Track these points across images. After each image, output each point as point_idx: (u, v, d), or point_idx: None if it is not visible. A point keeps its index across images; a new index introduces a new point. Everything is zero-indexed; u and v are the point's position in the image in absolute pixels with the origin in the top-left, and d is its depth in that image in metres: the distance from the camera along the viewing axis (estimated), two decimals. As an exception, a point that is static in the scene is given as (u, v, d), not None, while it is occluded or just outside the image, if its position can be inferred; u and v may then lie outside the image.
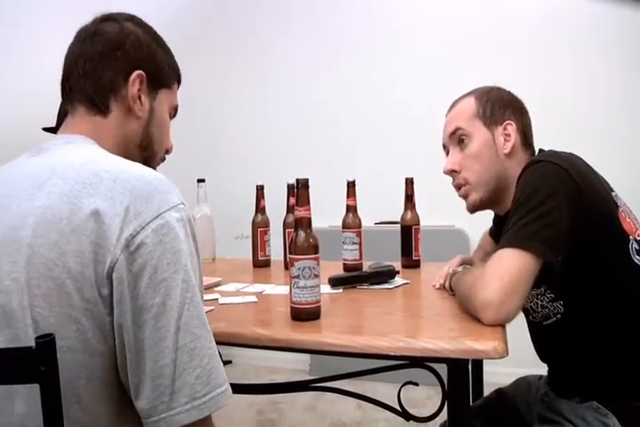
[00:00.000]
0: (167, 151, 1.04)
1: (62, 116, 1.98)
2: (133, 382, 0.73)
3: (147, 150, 0.96)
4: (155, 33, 0.98)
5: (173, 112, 1.03)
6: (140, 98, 0.92)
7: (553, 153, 1.19)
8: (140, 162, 0.90)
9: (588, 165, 1.17)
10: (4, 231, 0.74)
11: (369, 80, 3.12)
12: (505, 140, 1.26)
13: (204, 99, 3.20)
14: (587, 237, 1.08)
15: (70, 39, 0.94)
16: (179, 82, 1.02)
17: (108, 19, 0.94)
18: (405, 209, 1.71)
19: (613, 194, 1.17)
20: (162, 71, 0.96)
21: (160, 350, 0.71)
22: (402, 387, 1.19)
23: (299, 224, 1.14)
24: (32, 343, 0.66)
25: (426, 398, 2.10)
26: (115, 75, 0.90)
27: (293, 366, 3.10)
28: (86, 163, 0.78)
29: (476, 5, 2.92)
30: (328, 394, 1.42)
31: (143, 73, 0.91)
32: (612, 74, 2.75)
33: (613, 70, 2.74)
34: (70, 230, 0.71)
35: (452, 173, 1.31)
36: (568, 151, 1.20)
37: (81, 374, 0.73)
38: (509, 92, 1.33)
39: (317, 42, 3.22)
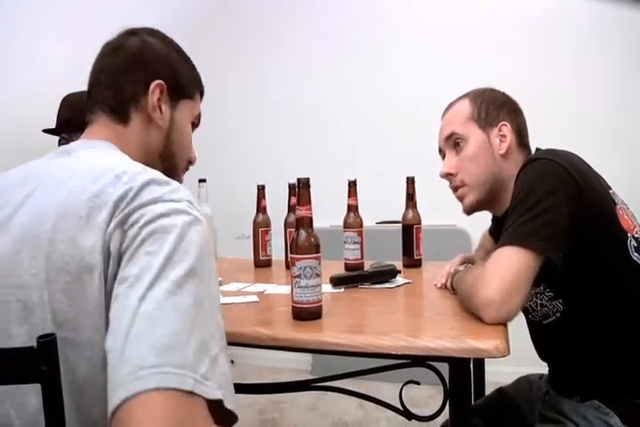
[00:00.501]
0: (190, 162, 1.06)
1: (65, 119, 1.97)
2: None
3: (168, 160, 0.98)
4: (176, 45, 1.00)
5: (197, 121, 1.05)
6: (160, 107, 0.94)
7: (551, 151, 1.19)
8: (161, 172, 0.92)
9: (585, 162, 1.17)
10: (25, 228, 0.75)
11: (369, 80, 3.12)
12: (500, 140, 1.26)
13: (205, 99, 3.20)
14: (586, 235, 1.08)
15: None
16: (201, 94, 1.05)
17: (130, 33, 0.97)
18: (406, 208, 1.72)
19: (611, 191, 1.18)
20: (182, 82, 0.98)
21: (120, 319, 0.64)
22: (403, 386, 1.19)
23: (300, 224, 1.14)
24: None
25: (427, 397, 2.10)
26: (135, 87, 0.93)
27: (295, 366, 3.10)
28: (108, 169, 0.79)
29: (475, 5, 2.92)
30: (330, 394, 1.42)
31: (163, 82, 0.94)
32: (611, 73, 2.75)
33: (613, 70, 2.74)
34: (89, 228, 0.71)
35: (448, 176, 1.32)
36: (565, 149, 1.20)
37: (99, 369, 0.71)
38: (503, 93, 1.33)
39: (317, 42, 3.22)
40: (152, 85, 0.93)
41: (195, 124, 1.05)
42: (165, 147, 0.97)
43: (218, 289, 0.74)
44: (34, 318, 0.72)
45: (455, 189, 1.31)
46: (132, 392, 0.57)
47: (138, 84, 0.93)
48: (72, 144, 0.89)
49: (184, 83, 0.99)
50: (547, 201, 1.06)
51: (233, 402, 0.64)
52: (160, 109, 0.94)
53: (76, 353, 0.70)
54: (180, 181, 1.02)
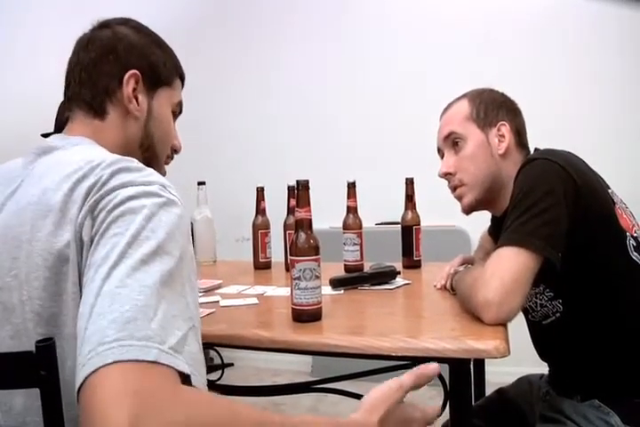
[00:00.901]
0: (175, 151, 1.03)
1: (61, 122, 1.97)
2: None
3: (148, 151, 0.96)
4: (150, 33, 0.97)
5: (178, 109, 1.02)
6: (136, 98, 0.92)
7: (550, 151, 1.19)
8: (141, 162, 0.91)
9: (584, 162, 1.18)
10: (5, 229, 0.74)
11: (368, 82, 3.12)
12: (499, 140, 1.26)
13: (203, 101, 3.20)
14: (585, 234, 1.08)
15: (71, 41, 0.94)
16: (182, 79, 1.02)
17: (102, 26, 0.95)
18: (406, 209, 1.71)
19: (610, 191, 1.18)
20: (158, 70, 0.95)
21: (84, 301, 0.62)
22: (404, 387, 1.18)
23: (299, 226, 1.14)
24: (33, 336, 0.67)
25: (428, 398, 2.08)
26: (109, 80, 0.91)
27: (295, 368, 3.10)
28: (85, 163, 0.77)
29: (475, 6, 2.93)
30: (330, 396, 1.42)
31: (137, 72, 0.91)
32: (611, 73, 2.75)
33: (613, 69, 2.74)
34: (65, 222, 0.71)
35: (446, 175, 1.32)
36: (564, 149, 1.20)
37: None
38: (502, 94, 1.33)
39: (317, 43, 3.22)
40: (126, 76, 0.90)
41: (176, 113, 1.02)
42: (144, 137, 0.94)
43: (192, 272, 0.71)
44: (14, 318, 0.71)
45: (454, 189, 1.32)
46: (92, 369, 0.55)
47: (112, 77, 0.91)
48: (52, 141, 0.86)
49: (160, 70, 0.95)
50: (546, 201, 1.06)
51: (204, 387, 0.62)
52: (136, 100, 0.92)
53: (61, 347, 0.69)
54: (161, 171, 0.99)
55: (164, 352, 0.57)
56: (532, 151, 1.29)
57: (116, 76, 0.91)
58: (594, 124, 2.75)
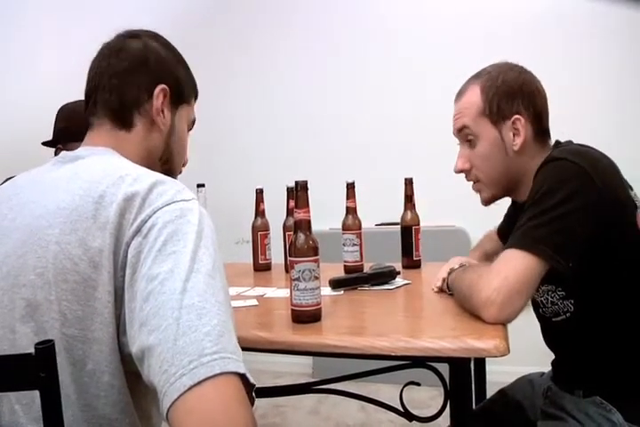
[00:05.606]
0: (184, 164, 1.08)
1: (61, 129, 1.95)
2: (145, 364, 0.67)
3: (167, 163, 1.00)
4: (175, 50, 1.02)
5: (191, 126, 1.07)
6: (163, 111, 0.95)
7: (574, 149, 1.15)
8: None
9: (610, 162, 1.13)
10: (30, 229, 0.78)
11: (367, 82, 3.12)
12: (514, 134, 1.20)
13: (202, 103, 3.20)
14: (602, 240, 1.06)
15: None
16: (196, 97, 1.07)
17: (131, 35, 0.98)
18: (405, 210, 1.71)
19: (632, 193, 1.14)
20: (182, 87, 1.00)
21: (163, 314, 0.66)
22: (404, 387, 1.19)
23: (298, 226, 1.14)
24: (57, 336, 0.72)
25: (429, 398, 2.09)
26: (139, 91, 0.94)
27: (296, 370, 3.10)
28: (111, 171, 0.82)
29: (475, 5, 2.93)
30: (331, 397, 1.42)
31: (167, 87, 0.95)
32: (611, 72, 2.75)
33: (613, 69, 2.75)
34: (96, 228, 0.75)
35: (462, 172, 1.29)
36: (587, 146, 1.16)
37: (105, 366, 0.75)
38: (519, 73, 1.25)
39: (316, 47, 3.22)
40: (157, 90, 0.94)
41: (189, 129, 1.07)
42: (165, 150, 0.99)
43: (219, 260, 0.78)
44: (40, 316, 0.75)
45: (472, 182, 1.30)
46: (199, 378, 0.61)
47: (141, 89, 0.94)
48: (76, 151, 0.91)
49: (184, 88, 1.00)
50: (564, 206, 1.03)
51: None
52: (163, 113, 0.95)
53: (83, 350, 0.73)
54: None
55: (243, 365, 0.65)
56: (552, 141, 1.25)
57: (146, 88, 0.94)
58: (594, 124, 2.74)
